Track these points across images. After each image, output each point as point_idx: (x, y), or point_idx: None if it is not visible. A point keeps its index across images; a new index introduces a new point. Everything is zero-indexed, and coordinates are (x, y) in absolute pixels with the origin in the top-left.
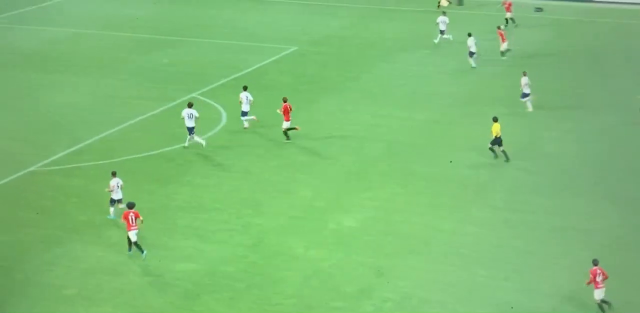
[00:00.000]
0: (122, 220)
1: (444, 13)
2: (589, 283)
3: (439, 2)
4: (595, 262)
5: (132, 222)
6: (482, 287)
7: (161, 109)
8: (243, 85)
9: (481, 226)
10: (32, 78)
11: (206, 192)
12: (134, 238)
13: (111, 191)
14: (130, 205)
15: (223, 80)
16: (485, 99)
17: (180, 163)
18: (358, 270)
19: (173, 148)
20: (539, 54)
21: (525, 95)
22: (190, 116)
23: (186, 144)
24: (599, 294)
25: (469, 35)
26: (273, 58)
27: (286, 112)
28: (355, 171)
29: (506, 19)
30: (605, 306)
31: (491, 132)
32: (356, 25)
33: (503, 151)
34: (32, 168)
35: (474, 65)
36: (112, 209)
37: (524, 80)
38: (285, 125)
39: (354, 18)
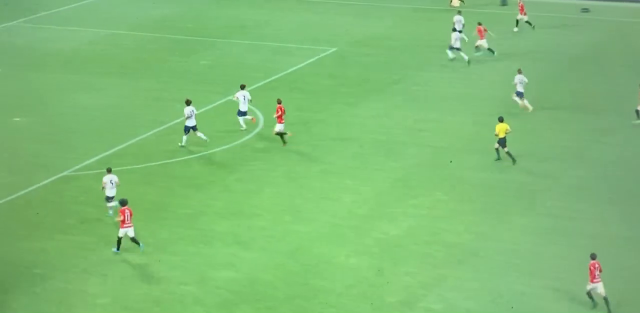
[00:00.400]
0: (117, 218)
1: (459, 12)
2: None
3: (450, 0)
4: (593, 256)
5: (127, 219)
6: (530, 297)
7: (199, 111)
8: (241, 84)
9: (530, 234)
10: (69, 80)
11: (245, 197)
12: (131, 234)
13: (104, 188)
14: (123, 202)
15: (261, 83)
16: (536, 103)
17: (218, 167)
18: (401, 280)
19: (211, 152)
20: (584, 57)
21: (519, 93)
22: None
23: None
24: (594, 287)
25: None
26: (312, 59)
27: (279, 114)
28: (399, 177)
29: (517, 21)
30: (595, 301)
31: (496, 132)
32: (399, 25)
33: (507, 152)
34: (66, 173)
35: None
36: (109, 205)
37: (518, 78)
38: (279, 128)
39: (396, 18)
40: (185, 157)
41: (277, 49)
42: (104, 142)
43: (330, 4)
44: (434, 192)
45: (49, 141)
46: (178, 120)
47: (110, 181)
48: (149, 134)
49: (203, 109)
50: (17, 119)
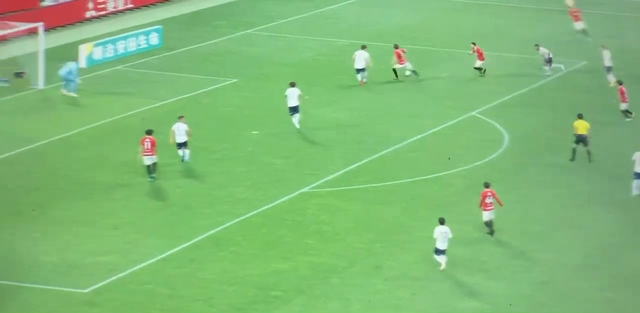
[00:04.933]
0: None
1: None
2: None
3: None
4: (486, 185)
5: (147, 147)
6: None
7: (439, 127)
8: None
9: None
10: (303, 92)
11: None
12: (149, 162)
13: (172, 137)
14: (149, 131)
15: (505, 97)
16: None
17: (459, 189)
18: None
19: (452, 172)
20: None
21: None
22: (299, 97)
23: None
24: (487, 216)
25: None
26: (560, 73)
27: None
28: None
29: (583, 30)
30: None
31: (575, 129)
32: None
33: (588, 151)
34: (305, 189)
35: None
36: (179, 152)
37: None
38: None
39: None
40: (427, 176)
41: (525, 61)
42: (340, 157)
43: (595, 14)
44: None
45: (285, 156)
46: (418, 137)
47: (178, 128)
48: (387, 150)
49: (440, 126)
50: (255, 132)
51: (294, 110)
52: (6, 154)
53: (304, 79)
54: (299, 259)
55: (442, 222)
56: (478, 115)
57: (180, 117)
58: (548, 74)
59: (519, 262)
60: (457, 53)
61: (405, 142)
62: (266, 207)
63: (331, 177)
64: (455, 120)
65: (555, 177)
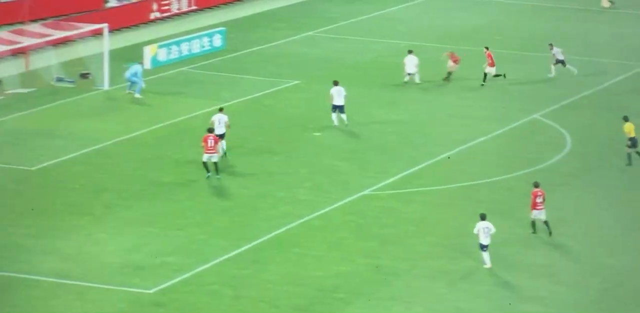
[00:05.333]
0: (202, 144)
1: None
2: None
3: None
4: (535, 184)
5: (210, 145)
6: None
7: (501, 130)
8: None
9: None
10: (364, 93)
11: (554, 227)
12: (213, 159)
13: (211, 127)
14: (211, 130)
15: (568, 100)
16: None
17: (520, 193)
18: None
19: (513, 175)
20: None
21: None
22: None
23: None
24: (536, 214)
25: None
26: (625, 75)
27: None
28: None
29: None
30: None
31: (627, 132)
32: None
33: (637, 152)
34: (366, 192)
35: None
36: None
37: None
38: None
39: None
40: (488, 180)
41: (587, 64)
42: (401, 160)
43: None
44: None
45: (346, 157)
46: (481, 139)
47: (219, 120)
48: (449, 153)
49: (502, 129)
50: (318, 134)
51: (339, 108)
52: (72, 154)
53: (365, 80)
54: (361, 261)
55: (483, 217)
56: (540, 118)
57: (221, 109)
58: (551, 76)
59: (584, 267)
60: (524, 55)
61: (466, 145)
62: (328, 208)
63: (392, 179)
64: (518, 123)
65: (619, 181)
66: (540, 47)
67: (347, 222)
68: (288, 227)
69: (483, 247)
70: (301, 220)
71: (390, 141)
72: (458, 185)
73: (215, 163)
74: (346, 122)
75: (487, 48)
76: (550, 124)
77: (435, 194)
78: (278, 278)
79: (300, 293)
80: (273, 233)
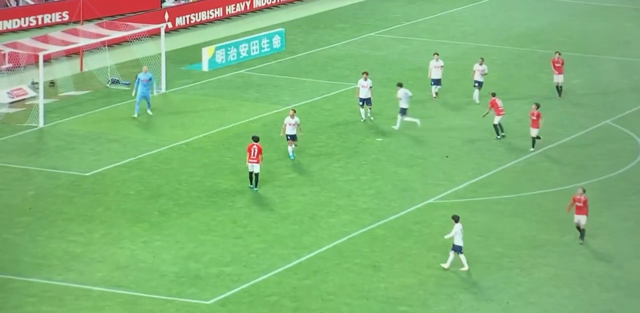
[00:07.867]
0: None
1: None
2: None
3: None
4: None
5: (253, 155)
6: None
7: (571, 137)
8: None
9: None
10: (429, 96)
11: (625, 238)
12: (255, 170)
13: (284, 130)
14: (256, 138)
15: (636, 108)
16: None
17: (591, 202)
18: None
19: (584, 183)
20: None
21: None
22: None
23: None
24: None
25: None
26: None
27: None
28: None
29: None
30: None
31: None
32: None
33: None
34: (432, 200)
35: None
36: (290, 148)
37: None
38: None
39: None
40: (559, 188)
41: None
42: (468, 167)
43: None
44: None
45: (410, 164)
46: (549, 146)
47: (290, 122)
48: (517, 160)
49: (572, 136)
50: (380, 139)
51: (366, 102)
52: (129, 159)
53: (429, 83)
54: (426, 273)
55: (456, 219)
56: (612, 124)
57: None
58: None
59: None
60: (592, 58)
61: (535, 152)
62: (391, 217)
63: (458, 187)
64: (589, 129)
65: None
66: (608, 49)
67: (411, 231)
68: (350, 236)
69: (459, 249)
70: (363, 229)
71: (456, 147)
72: (527, 193)
73: (256, 174)
74: (370, 116)
75: (493, 94)
76: (623, 131)
77: (503, 203)
78: (339, 290)
79: (362, 305)
80: (334, 243)
